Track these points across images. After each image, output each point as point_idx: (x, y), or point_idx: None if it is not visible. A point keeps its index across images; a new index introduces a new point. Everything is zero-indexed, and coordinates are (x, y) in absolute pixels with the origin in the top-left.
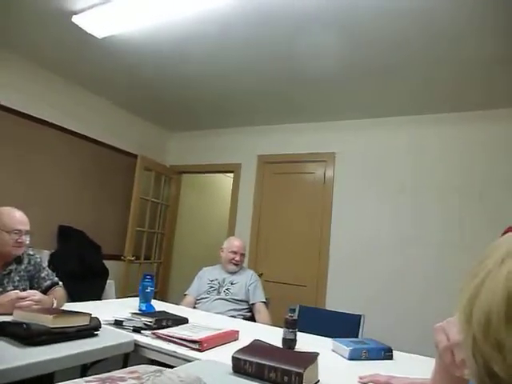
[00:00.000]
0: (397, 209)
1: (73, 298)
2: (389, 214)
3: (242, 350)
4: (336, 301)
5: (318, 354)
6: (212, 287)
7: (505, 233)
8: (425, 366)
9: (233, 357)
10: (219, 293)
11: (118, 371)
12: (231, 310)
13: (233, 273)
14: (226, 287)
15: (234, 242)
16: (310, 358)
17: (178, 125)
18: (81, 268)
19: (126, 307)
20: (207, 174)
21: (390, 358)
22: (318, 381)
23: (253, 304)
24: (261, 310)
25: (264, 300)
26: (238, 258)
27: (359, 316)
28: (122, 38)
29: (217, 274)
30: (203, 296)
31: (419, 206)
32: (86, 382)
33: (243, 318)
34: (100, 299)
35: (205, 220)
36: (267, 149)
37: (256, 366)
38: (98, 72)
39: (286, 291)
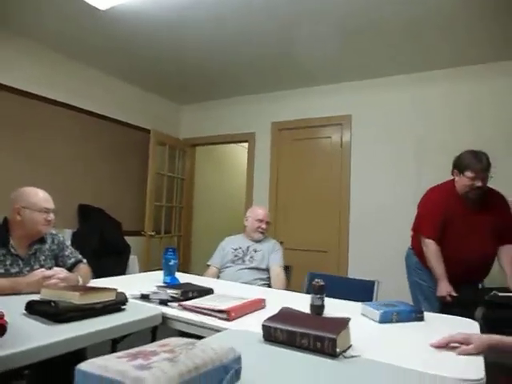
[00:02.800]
0: (416, 171)
1: (97, 274)
2: (408, 176)
3: (272, 318)
4: (357, 265)
5: (349, 318)
6: (236, 256)
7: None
8: (455, 326)
9: (263, 325)
10: (244, 261)
11: (149, 345)
12: (256, 279)
13: (256, 241)
14: (250, 255)
15: (259, 210)
16: (342, 323)
17: (189, 97)
18: (103, 245)
19: (151, 281)
20: (221, 144)
21: (421, 319)
22: (351, 345)
23: (271, 268)
24: (278, 273)
25: (281, 264)
26: (264, 226)
27: (373, 282)
28: (125, 9)
29: (240, 242)
30: (228, 265)
31: (440, 167)
32: (118, 357)
33: (268, 287)
34: (124, 275)
35: (222, 191)
36: (281, 115)
37: (287, 334)
38: (104, 47)
39: (307, 258)
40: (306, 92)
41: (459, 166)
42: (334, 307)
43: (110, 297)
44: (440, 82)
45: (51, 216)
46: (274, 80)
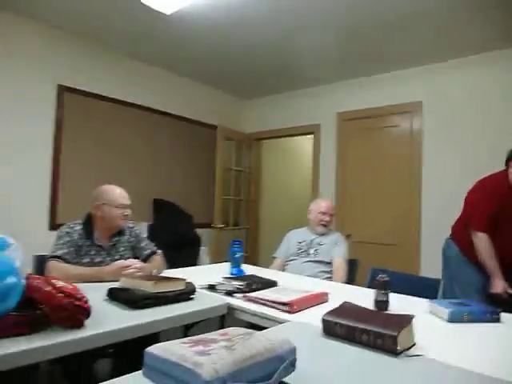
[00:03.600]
0: (494, 160)
1: (171, 265)
2: (486, 166)
3: (332, 312)
4: (431, 260)
5: (413, 316)
6: (300, 249)
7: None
8: None
9: (323, 319)
10: (308, 254)
11: (210, 333)
12: (321, 271)
13: (321, 234)
14: (314, 248)
15: (322, 203)
16: (405, 321)
17: (254, 91)
18: (176, 237)
19: (218, 272)
20: (286, 137)
21: (497, 320)
22: (414, 344)
23: (333, 260)
24: (338, 266)
25: (344, 257)
26: (327, 219)
27: (438, 280)
28: (188, 11)
29: (305, 235)
30: (292, 258)
31: None
32: (182, 343)
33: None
34: (196, 265)
35: (288, 184)
36: (346, 105)
37: (347, 329)
38: (171, 49)
39: (375, 251)
40: (372, 80)
41: None
42: (399, 303)
43: (180, 286)
44: None
45: (128, 211)
46: (338, 69)
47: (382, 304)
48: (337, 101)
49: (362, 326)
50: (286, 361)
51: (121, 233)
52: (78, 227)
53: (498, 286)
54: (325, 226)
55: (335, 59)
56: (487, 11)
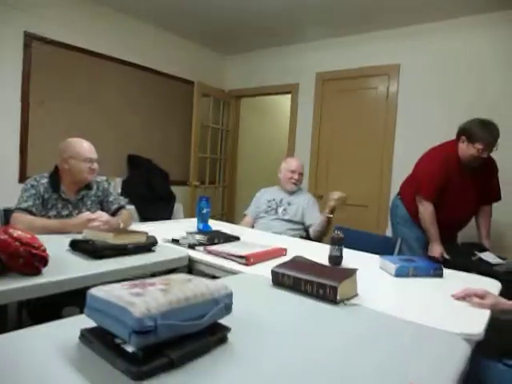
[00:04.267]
0: None
1: (145, 220)
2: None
3: (282, 265)
4: None
5: (356, 269)
6: (270, 207)
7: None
8: (474, 284)
9: (272, 270)
10: (277, 212)
11: (152, 278)
12: (288, 229)
13: (291, 193)
14: (283, 207)
15: (292, 162)
16: (348, 273)
17: (233, 47)
18: (150, 193)
19: (186, 227)
20: (265, 96)
21: (440, 276)
22: (356, 295)
23: (309, 226)
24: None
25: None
26: (296, 177)
27: (396, 238)
28: None
29: (274, 194)
30: (262, 215)
31: None
32: (121, 285)
33: (300, 237)
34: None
35: (266, 143)
36: (326, 65)
37: (293, 280)
38: (151, 2)
39: (347, 212)
40: (352, 40)
41: (470, 135)
42: (354, 259)
43: (141, 239)
44: (503, 27)
45: (95, 165)
46: (320, 28)
47: (335, 259)
48: (317, 60)
49: (307, 277)
50: (220, 304)
51: (88, 186)
52: (45, 180)
53: (437, 250)
54: (294, 184)
55: (317, 17)
56: None
